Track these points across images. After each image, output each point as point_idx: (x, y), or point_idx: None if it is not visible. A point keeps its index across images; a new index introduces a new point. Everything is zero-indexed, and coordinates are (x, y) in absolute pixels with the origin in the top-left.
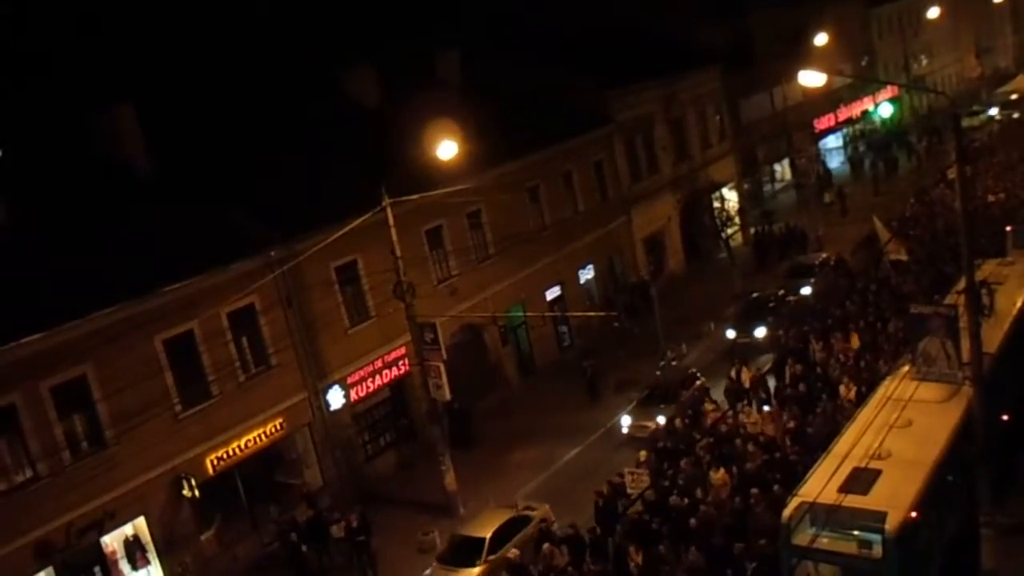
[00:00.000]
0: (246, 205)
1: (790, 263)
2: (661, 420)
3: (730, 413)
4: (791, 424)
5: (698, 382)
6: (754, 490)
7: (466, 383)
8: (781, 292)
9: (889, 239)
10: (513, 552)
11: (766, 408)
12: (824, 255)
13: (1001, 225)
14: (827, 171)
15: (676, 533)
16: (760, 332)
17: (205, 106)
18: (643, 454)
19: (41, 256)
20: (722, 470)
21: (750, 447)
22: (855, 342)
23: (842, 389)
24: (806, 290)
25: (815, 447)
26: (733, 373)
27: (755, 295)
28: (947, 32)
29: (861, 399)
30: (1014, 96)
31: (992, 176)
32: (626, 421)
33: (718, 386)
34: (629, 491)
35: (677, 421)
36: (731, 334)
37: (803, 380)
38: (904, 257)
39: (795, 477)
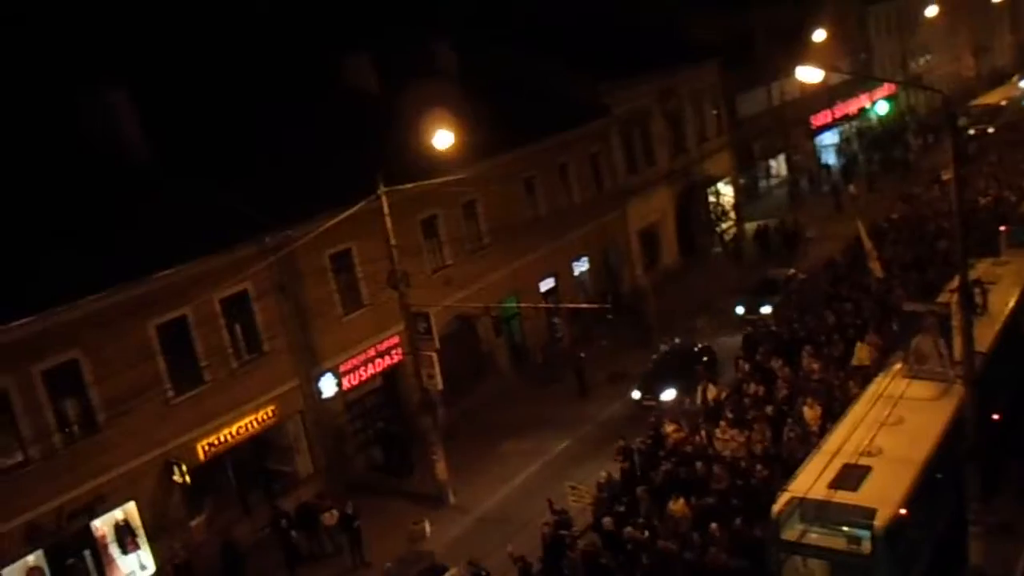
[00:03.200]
0: (241, 191)
1: (760, 278)
2: None
3: (698, 435)
4: (759, 447)
5: None
6: (713, 525)
7: (458, 373)
8: (701, 345)
9: (870, 249)
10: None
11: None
12: (792, 271)
13: (991, 227)
14: (826, 167)
15: (629, 569)
16: (668, 395)
17: (201, 91)
18: (603, 474)
19: (34, 240)
20: (681, 500)
21: (715, 469)
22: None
23: (807, 411)
24: (766, 309)
25: (783, 471)
26: (698, 393)
27: (670, 347)
28: (945, 31)
29: (830, 420)
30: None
31: (984, 178)
32: None
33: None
34: (572, 501)
35: (638, 441)
36: (636, 395)
37: (766, 401)
38: (880, 274)
39: (760, 506)
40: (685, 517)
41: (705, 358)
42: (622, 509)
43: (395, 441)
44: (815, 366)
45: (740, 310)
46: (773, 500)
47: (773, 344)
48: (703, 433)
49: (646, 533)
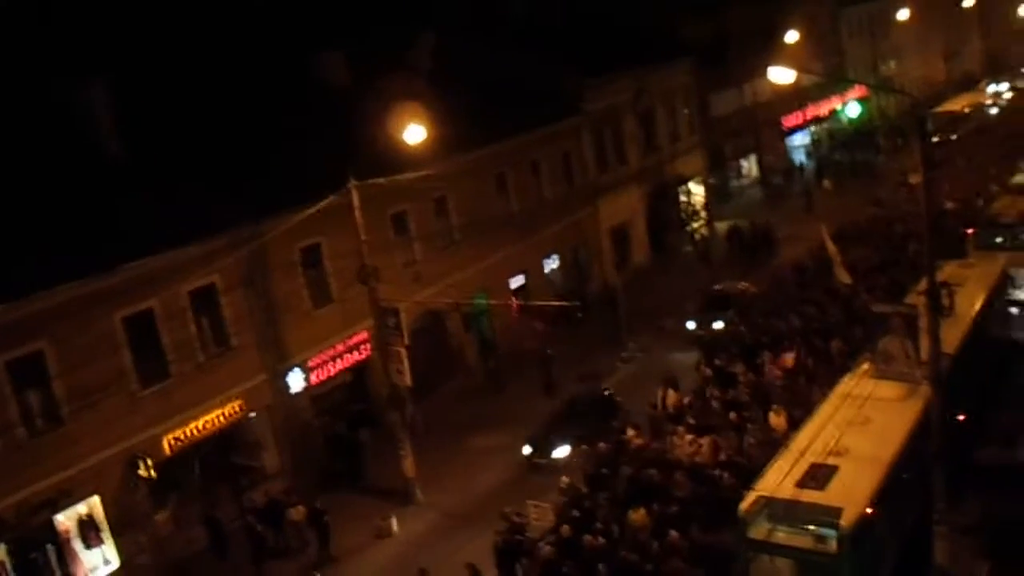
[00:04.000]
0: (211, 184)
1: (707, 292)
2: None
3: (657, 442)
4: (723, 456)
5: None
6: (673, 534)
7: (427, 369)
8: (606, 391)
9: (834, 255)
10: None
11: (691, 437)
12: (743, 284)
13: (958, 231)
14: (799, 167)
15: None
16: (562, 452)
17: (172, 85)
18: (565, 480)
19: (1, 230)
20: (642, 509)
21: (677, 476)
22: (788, 362)
23: (772, 417)
24: (719, 325)
25: (747, 479)
26: (658, 399)
27: (573, 398)
28: (916, 35)
29: (793, 426)
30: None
31: (950, 182)
32: None
33: None
34: (534, 522)
35: (600, 444)
36: (526, 451)
37: (732, 406)
38: (847, 281)
39: (722, 513)
40: (645, 527)
41: (614, 399)
42: (577, 514)
43: (344, 446)
44: (778, 372)
45: (691, 326)
46: (737, 508)
47: (737, 348)
48: (666, 439)
49: (601, 540)
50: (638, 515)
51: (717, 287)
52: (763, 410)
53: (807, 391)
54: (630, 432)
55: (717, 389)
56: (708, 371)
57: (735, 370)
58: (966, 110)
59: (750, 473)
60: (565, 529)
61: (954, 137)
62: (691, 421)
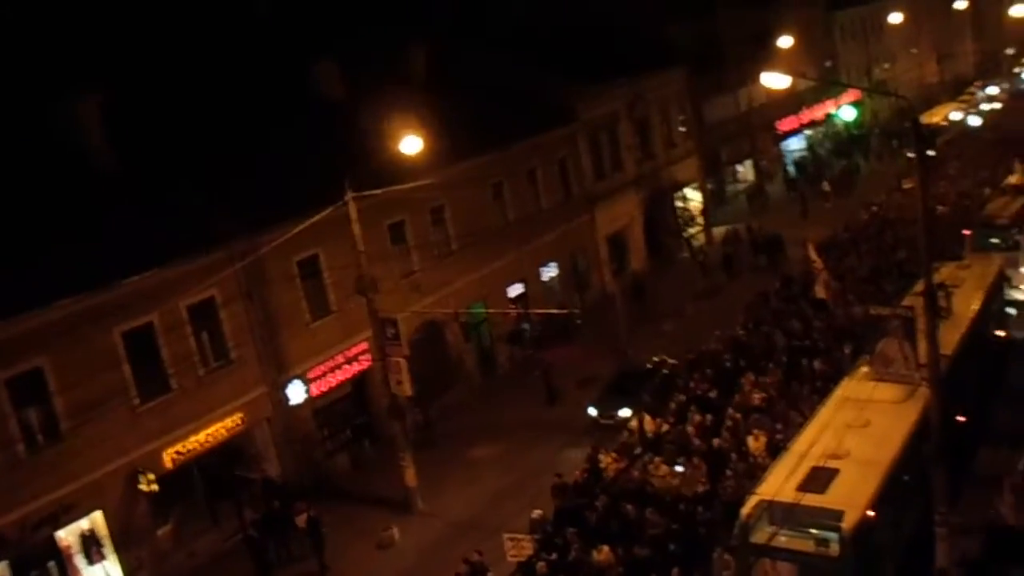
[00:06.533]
0: (208, 197)
1: (617, 371)
2: None
3: (636, 470)
4: (700, 488)
5: None
6: None
7: (427, 379)
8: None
9: (819, 269)
10: None
11: (678, 468)
12: (658, 358)
13: (952, 233)
14: (795, 170)
15: None
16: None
17: (167, 97)
18: (537, 512)
19: None
20: (605, 548)
21: (648, 514)
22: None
23: (751, 442)
24: (625, 412)
25: (725, 513)
26: (633, 424)
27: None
28: (909, 38)
29: (774, 452)
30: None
31: (944, 184)
32: None
33: None
34: (510, 556)
35: (577, 473)
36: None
37: (712, 433)
38: (824, 296)
39: (700, 551)
40: (611, 566)
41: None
42: (555, 557)
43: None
44: (756, 395)
45: (592, 412)
46: (714, 545)
47: (714, 372)
48: (642, 466)
49: None
50: (602, 555)
51: (626, 362)
52: (743, 436)
53: (788, 415)
54: (606, 458)
55: (696, 414)
56: (682, 396)
57: (712, 395)
58: (943, 123)
59: (728, 506)
60: (541, 567)
61: (931, 153)
62: (669, 447)
